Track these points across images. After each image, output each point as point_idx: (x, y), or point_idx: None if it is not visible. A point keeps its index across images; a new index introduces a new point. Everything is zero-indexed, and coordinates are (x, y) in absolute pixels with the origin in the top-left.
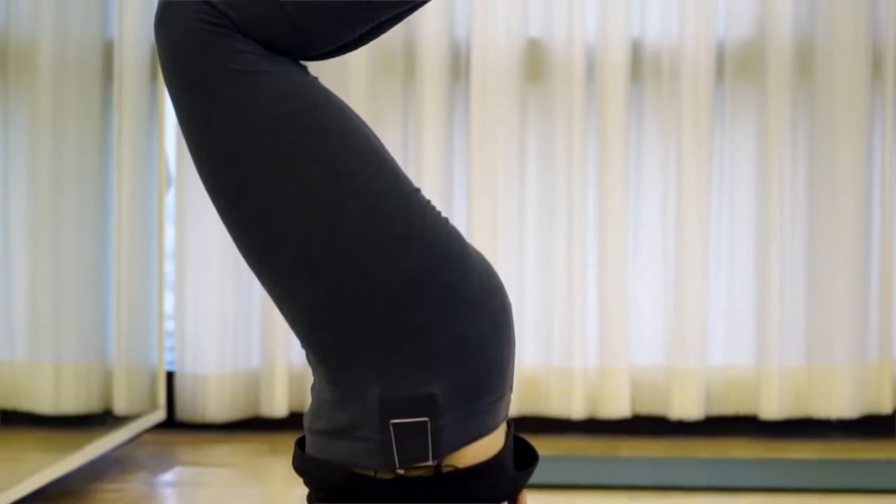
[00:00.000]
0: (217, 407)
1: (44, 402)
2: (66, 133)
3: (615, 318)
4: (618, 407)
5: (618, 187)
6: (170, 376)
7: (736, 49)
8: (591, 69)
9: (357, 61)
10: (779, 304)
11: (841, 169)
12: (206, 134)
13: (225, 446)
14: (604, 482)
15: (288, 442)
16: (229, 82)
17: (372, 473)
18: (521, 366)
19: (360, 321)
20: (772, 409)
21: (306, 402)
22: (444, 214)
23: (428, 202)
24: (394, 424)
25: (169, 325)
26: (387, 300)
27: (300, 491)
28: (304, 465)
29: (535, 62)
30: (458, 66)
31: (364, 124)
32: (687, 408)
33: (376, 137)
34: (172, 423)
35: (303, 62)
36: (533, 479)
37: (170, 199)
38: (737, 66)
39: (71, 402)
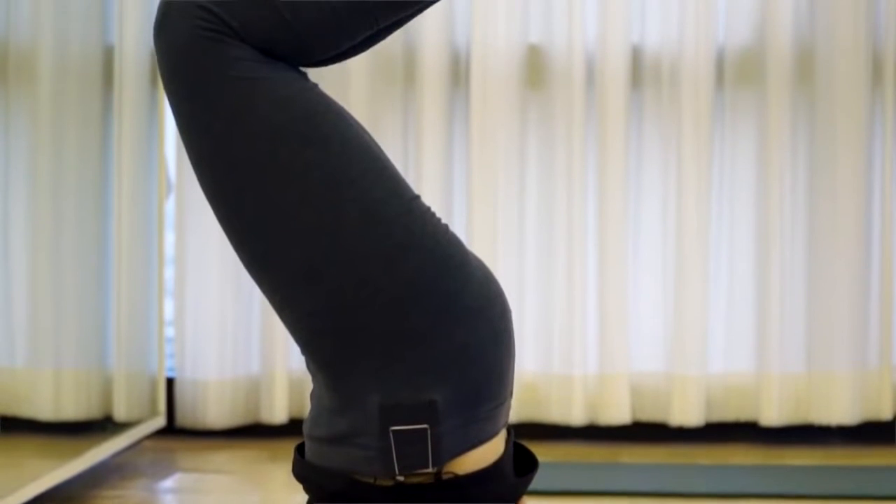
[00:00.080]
0: (217, 413)
1: (44, 408)
2: (67, 139)
3: (615, 324)
4: (618, 413)
5: (618, 193)
6: (170, 382)
7: (736, 55)
8: (591, 75)
9: (357, 67)
10: (779, 311)
11: (841, 175)
12: (206, 141)
13: (225, 453)
14: (604, 489)
15: (288, 448)
16: (228, 89)
17: (372, 480)
18: (521, 372)
19: (360, 328)
20: (772, 415)
21: (306, 408)
22: (443, 221)
23: (428, 209)
24: (394, 431)
25: (169, 332)
26: (387, 307)
27: (300, 497)
28: (303, 472)
29: (535, 68)
30: (459, 71)
31: (364, 131)
32: (687, 414)
33: (376, 144)
34: (172, 430)
35: (302, 68)
36: (533, 486)
37: (170, 205)
38: (737, 72)
39: (71, 409)
